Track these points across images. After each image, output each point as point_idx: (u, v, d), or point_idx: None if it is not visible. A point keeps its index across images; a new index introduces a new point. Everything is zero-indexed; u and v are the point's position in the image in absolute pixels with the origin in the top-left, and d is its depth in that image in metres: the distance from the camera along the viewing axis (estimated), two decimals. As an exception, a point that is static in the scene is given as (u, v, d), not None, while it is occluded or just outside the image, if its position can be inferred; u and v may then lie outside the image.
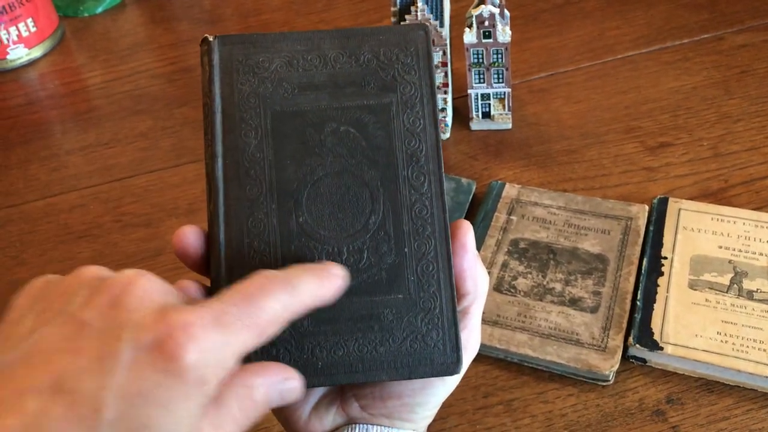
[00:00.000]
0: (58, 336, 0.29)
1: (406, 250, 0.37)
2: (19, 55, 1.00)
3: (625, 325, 0.58)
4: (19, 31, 0.99)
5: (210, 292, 0.37)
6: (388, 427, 0.40)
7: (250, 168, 0.37)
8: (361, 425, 0.40)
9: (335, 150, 0.38)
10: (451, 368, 0.37)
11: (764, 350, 0.55)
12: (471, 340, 0.39)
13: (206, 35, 0.39)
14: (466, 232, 0.39)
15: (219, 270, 0.36)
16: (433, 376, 0.37)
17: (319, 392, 0.41)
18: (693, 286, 0.60)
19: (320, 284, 0.33)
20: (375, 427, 0.39)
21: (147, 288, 0.30)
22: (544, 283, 0.62)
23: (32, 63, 1.00)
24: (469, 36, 0.74)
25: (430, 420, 0.41)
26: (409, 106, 0.38)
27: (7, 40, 0.98)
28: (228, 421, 0.30)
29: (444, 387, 0.40)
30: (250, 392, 0.31)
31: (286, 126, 0.38)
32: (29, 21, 0.99)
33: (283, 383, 0.32)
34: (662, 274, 0.61)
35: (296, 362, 0.36)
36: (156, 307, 0.29)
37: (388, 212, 0.37)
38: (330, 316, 0.36)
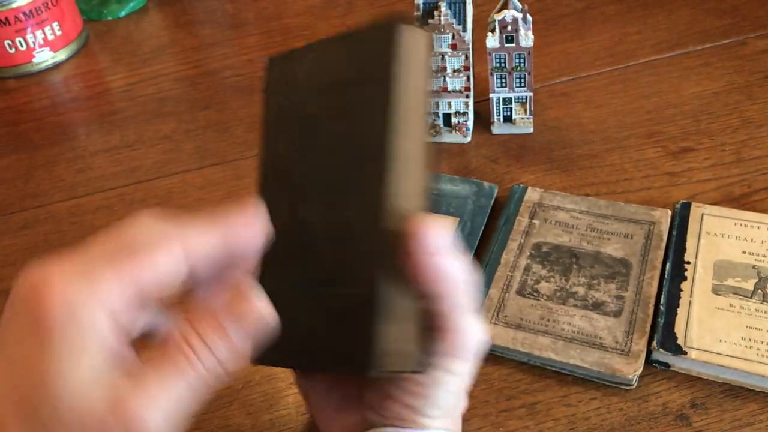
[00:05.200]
0: None
1: (362, 245, 0.37)
2: (44, 58, 1.01)
3: (648, 329, 0.58)
4: (45, 34, 1.00)
5: None
6: (412, 429, 0.40)
7: (277, 174, 0.41)
8: (381, 428, 0.40)
9: (334, 149, 0.39)
10: (363, 369, 0.35)
11: (789, 356, 0.55)
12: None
13: (268, 57, 0.43)
14: (429, 231, 0.36)
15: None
16: (348, 373, 0.39)
17: (341, 397, 0.43)
18: (717, 291, 0.60)
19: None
20: (390, 428, 0.40)
21: None
22: (567, 286, 0.62)
23: (57, 66, 1.02)
24: (492, 40, 0.75)
25: (451, 419, 0.41)
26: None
27: (33, 43, 1.00)
28: None
29: (444, 390, 0.39)
30: None
31: (304, 130, 0.41)
32: (55, 25, 1.01)
33: None
34: (685, 278, 0.61)
35: None
36: None
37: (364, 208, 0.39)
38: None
